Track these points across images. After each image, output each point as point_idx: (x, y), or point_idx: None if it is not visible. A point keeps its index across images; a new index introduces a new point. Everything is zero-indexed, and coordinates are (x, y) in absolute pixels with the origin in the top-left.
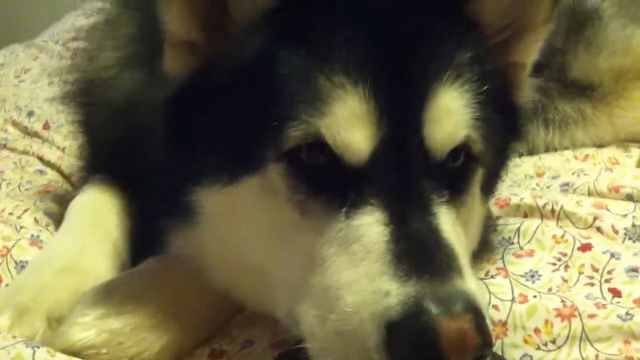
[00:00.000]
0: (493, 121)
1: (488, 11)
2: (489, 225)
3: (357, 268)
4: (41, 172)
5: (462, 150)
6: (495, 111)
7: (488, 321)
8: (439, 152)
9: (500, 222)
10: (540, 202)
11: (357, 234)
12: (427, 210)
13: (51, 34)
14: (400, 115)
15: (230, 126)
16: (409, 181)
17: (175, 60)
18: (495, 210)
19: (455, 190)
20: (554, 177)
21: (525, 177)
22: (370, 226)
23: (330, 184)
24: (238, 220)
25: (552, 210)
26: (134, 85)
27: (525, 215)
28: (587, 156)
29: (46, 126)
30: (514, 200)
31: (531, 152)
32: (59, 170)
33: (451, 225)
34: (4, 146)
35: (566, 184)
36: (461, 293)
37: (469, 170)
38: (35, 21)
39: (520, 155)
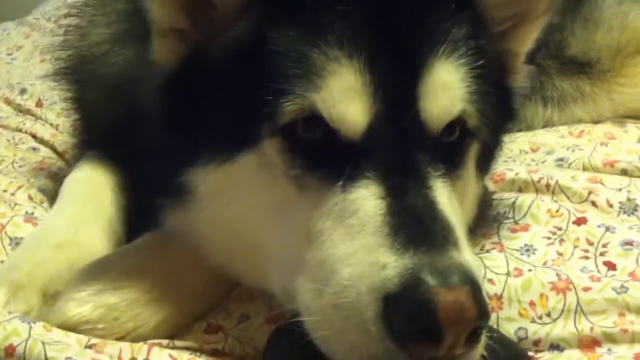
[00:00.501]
0: (489, 96)
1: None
2: (485, 201)
3: (353, 241)
4: (35, 149)
5: (457, 124)
6: (490, 87)
7: (484, 294)
8: (435, 125)
9: (495, 196)
10: (535, 177)
11: (354, 207)
12: (424, 184)
13: (43, 11)
14: (396, 88)
15: (224, 106)
16: (405, 155)
17: (164, 48)
18: (490, 185)
19: (450, 164)
20: (548, 153)
21: (520, 153)
22: (367, 199)
23: (326, 158)
24: (233, 198)
25: (547, 185)
26: (126, 61)
27: (520, 190)
28: (582, 132)
29: (39, 103)
30: (509, 175)
31: (529, 129)
32: (52, 148)
33: (447, 199)
34: None
35: (561, 159)
36: (458, 265)
37: (464, 145)
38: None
39: (519, 131)
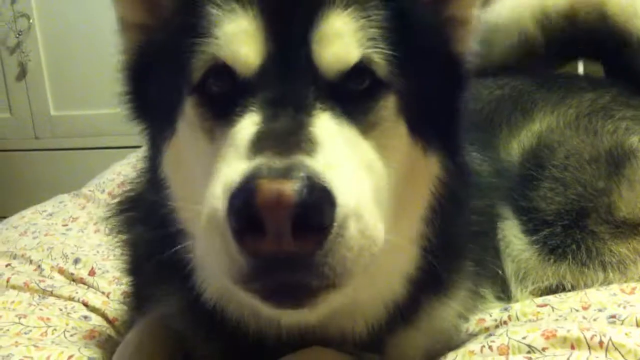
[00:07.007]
0: (411, 52)
1: None
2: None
3: (228, 167)
4: (86, 317)
5: (365, 73)
6: (416, 42)
7: (337, 197)
8: (330, 71)
9: (547, 353)
10: (588, 334)
11: (234, 138)
12: (302, 112)
13: (98, 183)
14: (289, 34)
15: (164, 85)
16: (292, 90)
17: (129, 42)
18: (540, 342)
19: (358, 111)
20: (600, 310)
21: (570, 311)
22: (245, 128)
23: (229, 105)
24: (182, 169)
25: (600, 342)
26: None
27: (572, 348)
28: (634, 289)
29: (92, 272)
30: (560, 332)
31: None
32: (103, 315)
33: (336, 132)
34: (50, 293)
35: (613, 316)
36: (298, 164)
37: (374, 93)
38: (82, 172)
39: (568, 290)
